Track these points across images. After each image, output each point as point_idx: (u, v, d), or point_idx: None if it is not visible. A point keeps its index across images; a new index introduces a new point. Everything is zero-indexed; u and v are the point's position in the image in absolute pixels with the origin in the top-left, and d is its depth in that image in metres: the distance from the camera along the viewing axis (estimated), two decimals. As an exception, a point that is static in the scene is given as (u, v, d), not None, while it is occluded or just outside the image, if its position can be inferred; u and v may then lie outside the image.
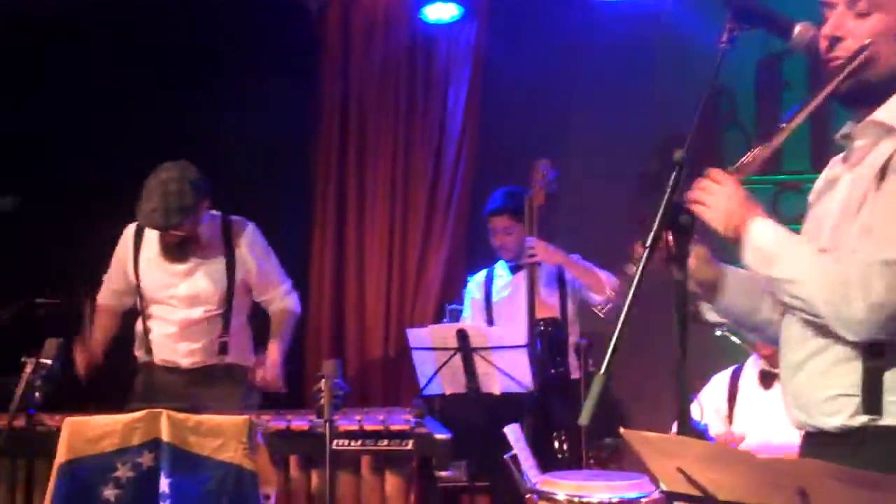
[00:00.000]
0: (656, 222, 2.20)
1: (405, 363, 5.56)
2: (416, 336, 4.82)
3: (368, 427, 3.81)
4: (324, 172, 6.17)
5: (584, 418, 2.02)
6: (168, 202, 4.32)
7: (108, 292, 4.74)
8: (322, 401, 3.44)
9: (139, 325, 4.68)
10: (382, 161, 6.12)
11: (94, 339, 4.65)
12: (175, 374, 4.61)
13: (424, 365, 4.80)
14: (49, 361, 3.68)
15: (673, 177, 2.22)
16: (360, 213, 6.14)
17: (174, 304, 4.57)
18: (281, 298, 4.72)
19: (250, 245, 4.62)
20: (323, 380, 3.47)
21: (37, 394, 3.66)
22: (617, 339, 2.06)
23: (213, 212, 4.64)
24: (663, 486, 2.04)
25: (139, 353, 4.69)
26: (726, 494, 1.89)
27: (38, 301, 4.75)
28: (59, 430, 3.70)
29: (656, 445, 1.98)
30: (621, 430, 2.01)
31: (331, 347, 6.01)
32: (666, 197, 2.21)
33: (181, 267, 4.57)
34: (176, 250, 4.56)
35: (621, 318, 2.09)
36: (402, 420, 3.84)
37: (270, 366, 4.56)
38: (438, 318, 5.70)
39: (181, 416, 3.68)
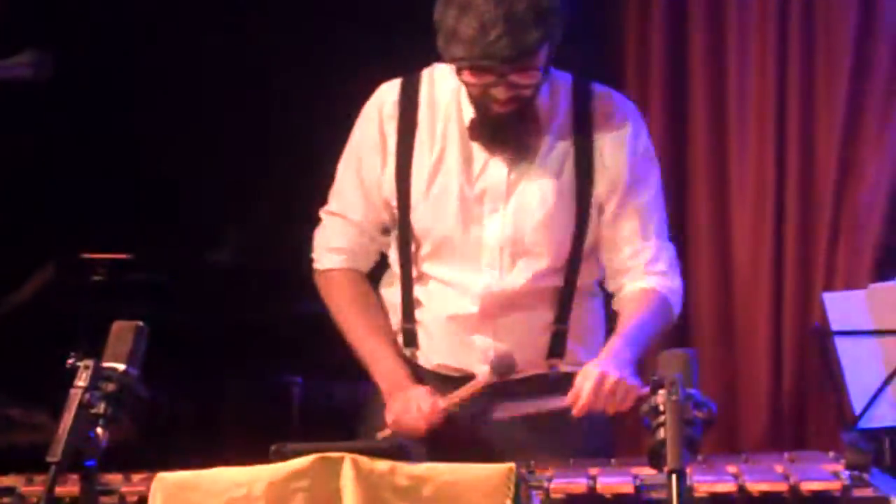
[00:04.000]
0: None
1: (812, 361, 4.47)
2: (842, 305, 3.85)
3: (753, 486, 2.91)
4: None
5: None
6: (516, 9, 3.02)
7: (345, 239, 3.41)
8: (661, 433, 2.51)
9: (392, 295, 3.42)
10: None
11: (381, 346, 3.38)
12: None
13: (860, 366, 3.79)
14: (121, 366, 2.59)
15: None
16: (718, 66, 4.70)
17: (476, 255, 3.29)
18: (648, 267, 3.32)
19: (629, 139, 3.25)
20: (661, 390, 2.55)
21: (99, 430, 2.58)
22: None
23: (559, 73, 3.28)
24: None
25: None
26: None
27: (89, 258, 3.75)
28: (143, 500, 2.83)
29: None
30: None
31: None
32: None
33: (502, 173, 3.23)
34: (500, 135, 3.19)
35: None
36: (822, 473, 2.98)
37: (594, 385, 3.12)
38: (884, 273, 4.39)
39: (379, 466, 2.75)
